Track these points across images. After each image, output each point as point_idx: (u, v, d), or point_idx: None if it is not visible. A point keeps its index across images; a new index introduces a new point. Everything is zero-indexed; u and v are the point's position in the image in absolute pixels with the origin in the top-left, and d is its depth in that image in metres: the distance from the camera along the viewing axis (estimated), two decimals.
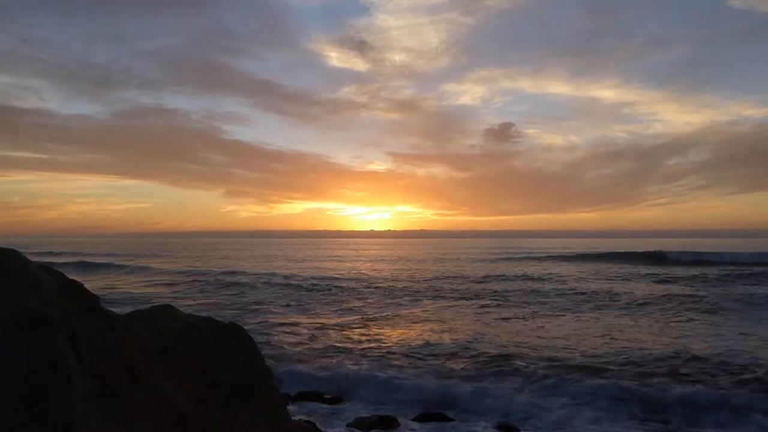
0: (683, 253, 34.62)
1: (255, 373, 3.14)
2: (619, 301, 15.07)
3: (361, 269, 30.64)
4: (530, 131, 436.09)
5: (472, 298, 16.46)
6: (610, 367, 7.72)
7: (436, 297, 16.82)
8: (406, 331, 11.09)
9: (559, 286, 19.49)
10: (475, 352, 8.69)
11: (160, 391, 2.42)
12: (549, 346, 9.17)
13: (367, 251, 64.28)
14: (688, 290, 17.15)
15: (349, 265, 35.12)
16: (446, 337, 10.04)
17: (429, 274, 25.88)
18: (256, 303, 15.42)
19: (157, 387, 2.42)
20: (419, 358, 8.47)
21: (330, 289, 19.02)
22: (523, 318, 12.54)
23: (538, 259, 39.10)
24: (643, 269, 27.35)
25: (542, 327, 11.22)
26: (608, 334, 10.27)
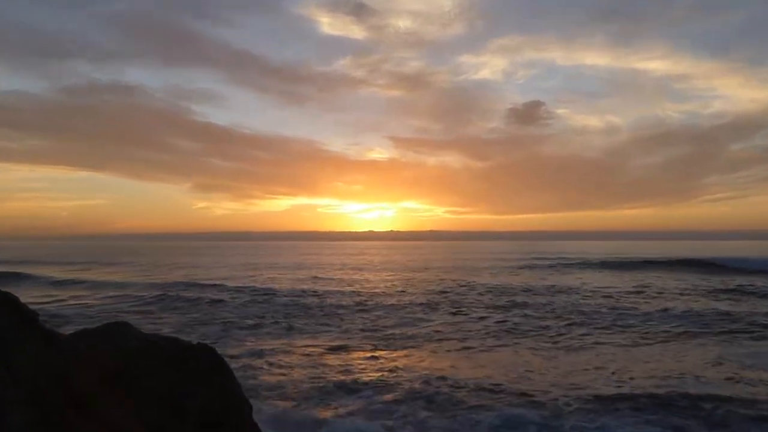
0: (745, 260, 34.63)
1: (228, 402, 3.16)
2: (684, 325, 14.37)
3: (359, 279, 30.75)
4: (561, 111, 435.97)
5: (495, 316, 16.50)
6: (679, 403, 7.68)
7: (452, 315, 16.83)
8: (413, 360, 10.94)
9: (603, 302, 19.52)
10: (501, 393, 8.30)
11: (115, 420, 2.44)
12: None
13: (365, 257, 64.33)
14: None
15: (344, 274, 35.25)
16: (465, 371, 9.70)
17: (441, 285, 25.99)
18: (232, 321, 15.51)
19: (110, 416, 2.44)
20: (428, 400, 7.93)
21: (322, 305, 19.11)
22: (564, 347, 12.10)
23: (573, 266, 39.11)
24: (701, 280, 27.33)
25: (599, 363, 10.49)
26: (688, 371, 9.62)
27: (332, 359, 10.76)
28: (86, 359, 2.74)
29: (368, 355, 11.17)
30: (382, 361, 10.64)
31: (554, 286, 25.13)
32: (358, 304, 19.35)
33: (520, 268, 39.21)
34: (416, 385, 8.68)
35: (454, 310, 17.42)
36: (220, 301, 20.13)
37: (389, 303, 19.47)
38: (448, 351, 11.55)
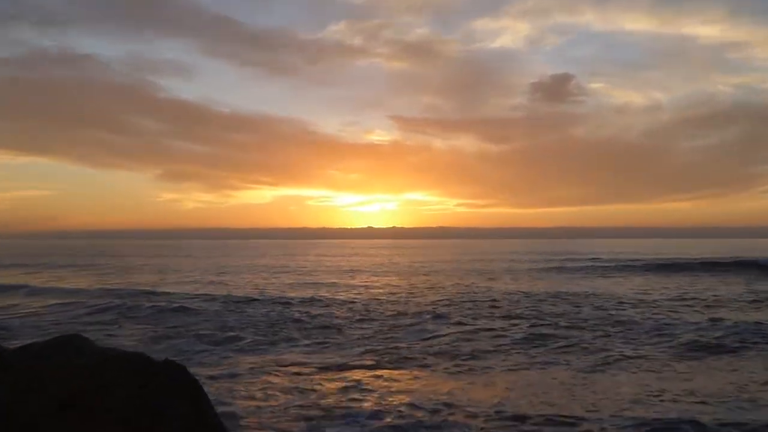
0: None
1: (200, 429, 3.17)
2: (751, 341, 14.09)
3: (356, 284, 30.92)
4: (596, 86, 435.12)
5: (516, 328, 16.60)
6: None
7: (465, 327, 16.91)
8: (420, 381, 10.96)
9: (644, 311, 19.64)
10: (526, 421, 8.26)
11: None
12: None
13: (363, 258, 64.48)
14: None
15: (338, 278, 35.38)
16: (481, 395, 9.72)
17: (453, 292, 26.11)
18: (205, 334, 15.59)
19: None
20: (437, 429, 7.94)
21: (312, 314, 19.23)
22: (599, 364, 12.31)
23: (609, 269, 39.14)
24: (762, 285, 27.35)
25: (640, 382, 10.69)
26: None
27: (324, 380, 10.80)
28: (34, 380, 2.75)
29: (366, 375, 11.21)
30: (382, 382, 10.68)
31: (587, 293, 25.24)
32: (355, 313, 19.49)
33: (547, 271, 39.37)
34: (423, 412, 8.68)
35: (468, 322, 17.49)
36: (192, 310, 20.27)
37: (391, 312, 19.62)
38: (461, 370, 11.59)
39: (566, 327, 16.37)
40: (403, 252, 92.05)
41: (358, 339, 14.98)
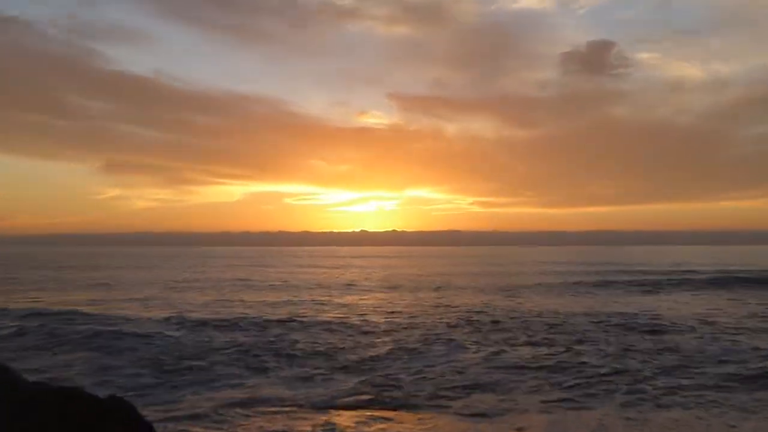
0: None
1: None
2: None
3: (349, 303, 30.88)
4: (643, 56, 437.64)
5: (549, 358, 16.58)
6: None
7: (486, 356, 16.84)
8: (429, 427, 10.83)
9: (707, 336, 19.67)
10: None
11: None
12: None
13: (357, 270, 64.57)
14: None
15: (326, 295, 35.40)
16: None
17: (469, 312, 26.11)
18: (159, 366, 15.51)
19: None
20: None
21: (294, 341, 19.22)
22: (655, 405, 11.93)
23: (662, 283, 39.15)
24: None
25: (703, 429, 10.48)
26: None
27: (306, 423, 10.73)
28: None
29: (363, 416, 11.15)
30: (379, 427, 10.61)
31: (634, 313, 25.31)
32: (345, 338, 19.55)
33: (584, 286, 39.41)
34: None
35: (489, 350, 17.48)
36: (142, 334, 20.26)
37: (394, 338, 19.67)
38: (479, 411, 11.52)
39: (611, 355, 16.41)
40: (405, 262, 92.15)
41: (349, 370, 14.95)
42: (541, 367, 14.98)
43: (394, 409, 11.57)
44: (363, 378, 13.88)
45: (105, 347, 18.14)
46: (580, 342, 18.53)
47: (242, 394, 12.58)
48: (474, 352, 17.02)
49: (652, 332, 20.30)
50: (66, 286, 41.56)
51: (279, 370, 14.93)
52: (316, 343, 18.62)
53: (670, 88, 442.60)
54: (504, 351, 17.21)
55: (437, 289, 39.37)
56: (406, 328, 21.85)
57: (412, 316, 25.10)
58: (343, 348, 17.85)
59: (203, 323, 22.76)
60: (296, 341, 18.83)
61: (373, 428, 10.42)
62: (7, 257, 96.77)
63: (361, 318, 24.62)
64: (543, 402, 12.00)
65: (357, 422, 10.75)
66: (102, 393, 3.80)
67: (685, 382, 13.45)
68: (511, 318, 24.05)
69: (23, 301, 30.74)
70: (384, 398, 12.29)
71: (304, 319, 23.79)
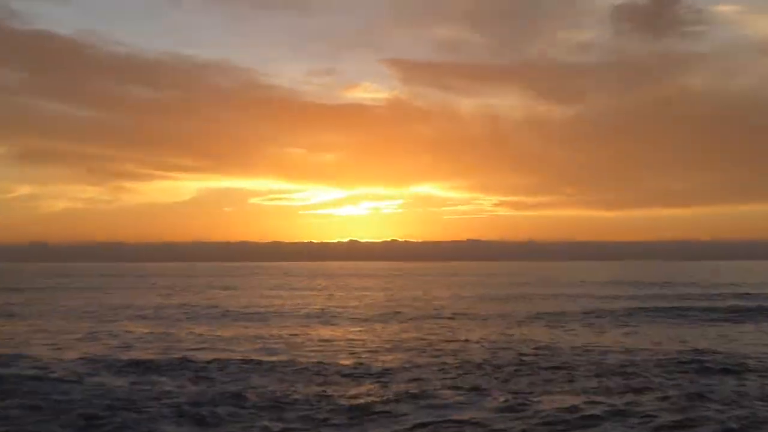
0: None
1: None
2: None
3: (336, 337, 30.94)
4: (724, 8, 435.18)
5: (601, 408, 16.21)
6: None
7: (513, 408, 16.56)
8: None
9: None
10: None
11: None
12: None
13: (342, 292, 65.02)
14: None
15: (298, 327, 35.33)
16: None
17: (493, 347, 26.10)
18: (81, 421, 15.42)
19: None
20: None
21: (263, 387, 19.29)
22: None
23: (753, 312, 39.65)
24: None
25: None
26: None
27: None
28: None
29: None
30: None
31: (716, 351, 24.82)
32: (328, 385, 19.51)
33: (650, 313, 39.52)
34: None
35: (518, 399, 17.15)
36: (57, 380, 20.35)
37: (385, 380, 19.61)
38: None
39: (687, 407, 15.83)
40: (409, 282, 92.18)
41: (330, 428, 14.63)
42: (600, 424, 14.65)
43: None
44: None
45: (9, 395, 17.97)
46: (646, 389, 18.09)
47: None
48: (501, 404, 16.67)
49: (748, 369, 20.36)
50: None
51: (237, 423, 14.92)
52: (286, 392, 18.43)
53: (756, 51, 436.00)
54: (538, 401, 16.91)
55: (451, 317, 39.23)
56: (407, 368, 21.71)
57: (417, 353, 24.96)
58: (320, 398, 17.63)
59: (139, 364, 22.78)
60: (266, 390, 18.79)
61: None
62: None
63: (350, 358, 24.45)
64: None
65: None
66: None
67: None
68: (552, 353, 24.19)
69: None
70: None
71: (273, 360, 23.77)
